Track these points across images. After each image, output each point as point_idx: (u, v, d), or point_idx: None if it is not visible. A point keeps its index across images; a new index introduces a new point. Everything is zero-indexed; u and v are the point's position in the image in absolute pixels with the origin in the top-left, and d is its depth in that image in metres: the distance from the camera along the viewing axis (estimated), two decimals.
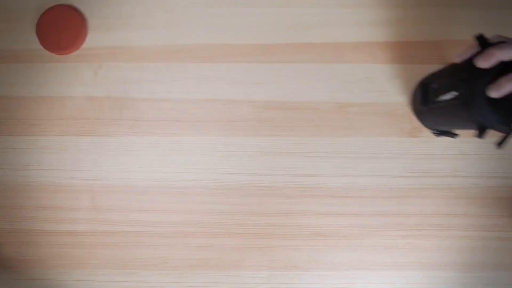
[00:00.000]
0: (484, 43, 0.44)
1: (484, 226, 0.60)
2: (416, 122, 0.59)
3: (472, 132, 0.52)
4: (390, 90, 0.60)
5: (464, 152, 0.60)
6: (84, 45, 0.61)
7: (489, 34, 0.45)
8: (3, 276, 0.61)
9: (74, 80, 0.61)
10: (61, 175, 0.61)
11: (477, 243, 0.60)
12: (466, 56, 0.46)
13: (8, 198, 0.61)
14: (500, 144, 0.46)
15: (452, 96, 0.47)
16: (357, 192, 0.60)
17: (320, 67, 0.61)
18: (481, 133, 0.46)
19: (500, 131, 0.45)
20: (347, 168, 0.60)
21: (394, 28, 0.60)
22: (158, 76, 0.61)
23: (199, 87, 0.61)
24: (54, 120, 0.61)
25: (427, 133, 0.60)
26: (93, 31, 0.61)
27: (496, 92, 0.42)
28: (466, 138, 0.59)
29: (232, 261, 0.61)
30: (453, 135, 0.55)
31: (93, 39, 0.61)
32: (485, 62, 0.43)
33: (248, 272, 0.61)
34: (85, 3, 0.61)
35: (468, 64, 0.44)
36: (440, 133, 0.56)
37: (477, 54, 0.44)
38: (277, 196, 0.60)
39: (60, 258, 0.61)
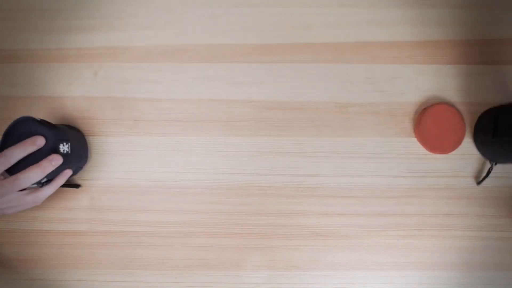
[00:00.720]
0: None
1: (484, 226, 0.60)
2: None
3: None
4: (390, 90, 0.60)
5: (464, 152, 0.60)
6: (84, 45, 0.61)
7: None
8: (3, 276, 0.61)
9: (74, 80, 0.61)
10: None
11: (477, 243, 0.60)
12: None
13: None
14: None
15: None
16: (357, 192, 0.60)
17: (320, 67, 0.61)
18: None
19: None
20: (347, 168, 0.60)
21: (394, 28, 0.60)
22: (158, 76, 0.61)
23: (199, 87, 0.61)
24: (54, 120, 0.61)
25: None
26: (93, 31, 0.61)
27: None
28: (466, 138, 0.59)
29: (232, 261, 0.61)
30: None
31: (93, 39, 0.61)
32: None
33: (248, 272, 0.61)
34: (86, 3, 0.62)
35: None
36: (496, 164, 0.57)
37: None
38: (277, 196, 0.60)
39: (60, 258, 0.61)
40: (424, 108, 0.59)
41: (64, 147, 0.53)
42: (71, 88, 0.61)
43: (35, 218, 0.61)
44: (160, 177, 0.61)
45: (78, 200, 0.61)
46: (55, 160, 0.51)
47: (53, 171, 0.51)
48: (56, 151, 0.51)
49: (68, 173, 0.55)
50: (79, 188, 0.61)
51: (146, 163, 0.61)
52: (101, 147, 0.61)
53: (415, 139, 0.60)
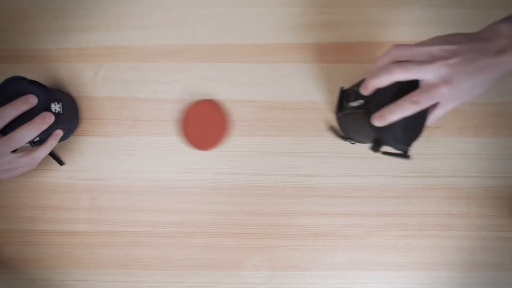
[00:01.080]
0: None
1: (484, 226, 0.60)
2: None
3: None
4: None
5: (464, 152, 0.60)
6: (84, 45, 0.61)
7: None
8: (3, 276, 0.61)
9: (74, 80, 0.61)
10: (61, 175, 0.61)
11: (477, 243, 0.60)
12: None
13: (8, 198, 0.61)
14: (379, 151, 0.47)
15: (359, 103, 0.48)
16: (357, 192, 0.60)
17: (320, 67, 0.61)
18: (376, 145, 0.46)
19: (392, 147, 0.46)
20: (347, 168, 0.60)
21: (394, 28, 0.60)
22: (158, 76, 0.61)
23: (199, 87, 0.61)
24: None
25: (427, 133, 0.60)
26: (93, 31, 0.61)
27: (379, 122, 0.44)
28: (466, 138, 0.59)
29: (232, 261, 0.61)
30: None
31: (93, 39, 0.61)
32: (365, 91, 0.46)
33: (248, 272, 0.61)
34: (86, 3, 0.62)
35: None
36: (351, 143, 0.58)
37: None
38: (277, 196, 0.60)
39: (60, 258, 0.61)
40: (188, 107, 0.60)
41: (55, 107, 0.53)
42: (71, 88, 0.61)
43: (35, 218, 0.61)
44: (160, 177, 0.61)
45: (78, 200, 0.61)
46: (48, 118, 0.51)
47: (44, 132, 0.51)
48: (48, 110, 0.51)
49: (59, 133, 0.55)
50: (63, 165, 0.61)
51: (146, 163, 0.61)
52: (101, 147, 0.61)
53: None
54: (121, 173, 0.61)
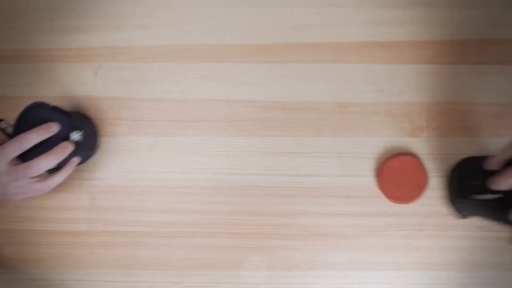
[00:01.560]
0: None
1: (484, 226, 0.59)
2: (416, 122, 0.60)
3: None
4: (390, 90, 0.60)
5: (464, 152, 0.60)
6: (84, 45, 0.61)
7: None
8: (3, 276, 0.61)
9: (74, 80, 0.61)
10: None
11: (477, 243, 0.60)
12: (502, 162, 0.46)
13: None
14: None
15: (494, 197, 0.48)
16: (357, 192, 0.60)
17: (320, 67, 0.61)
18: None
19: None
20: (347, 168, 0.60)
21: (394, 28, 0.60)
22: (158, 76, 0.61)
23: (199, 87, 0.61)
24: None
25: (427, 133, 0.60)
26: (93, 31, 0.61)
27: None
28: (466, 138, 0.59)
29: (232, 261, 0.61)
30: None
31: (93, 39, 0.61)
32: (496, 186, 0.45)
33: (248, 272, 0.61)
34: (85, 3, 0.61)
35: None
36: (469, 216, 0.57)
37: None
38: (277, 196, 0.60)
39: (60, 258, 0.61)
40: (386, 159, 0.59)
41: (76, 135, 0.52)
42: (71, 88, 0.61)
43: (35, 218, 0.61)
44: (160, 177, 0.61)
45: (78, 200, 0.61)
46: (68, 148, 0.51)
47: (62, 160, 0.51)
48: (67, 138, 0.51)
49: (75, 161, 0.55)
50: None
51: (146, 163, 0.61)
52: (101, 147, 0.61)
53: (415, 139, 0.60)
54: (121, 173, 0.61)
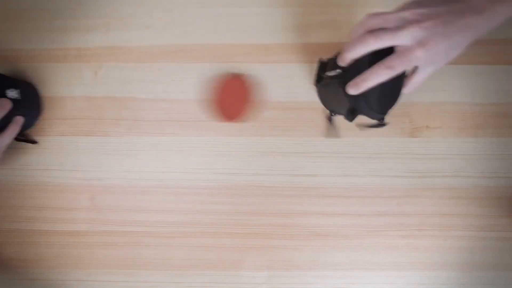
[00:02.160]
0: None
1: (484, 226, 0.60)
2: (416, 122, 0.60)
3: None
4: None
5: (464, 152, 0.60)
6: (84, 45, 0.61)
7: None
8: (3, 276, 0.61)
9: (74, 80, 0.61)
10: (61, 175, 0.61)
11: (477, 243, 0.60)
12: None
13: (8, 198, 0.61)
14: (354, 121, 0.47)
15: (336, 73, 0.47)
16: (357, 192, 0.60)
17: None
18: (351, 115, 0.46)
19: (367, 115, 0.45)
20: (347, 168, 0.60)
21: None
22: (158, 76, 0.61)
23: (199, 87, 0.61)
24: (54, 120, 0.61)
25: (427, 133, 0.60)
26: (92, 31, 0.61)
27: (354, 90, 0.43)
28: (466, 138, 0.59)
29: (232, 261, 0.61)
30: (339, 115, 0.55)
31: (93, 39, 0.61)
32: (342, 63, 0.46)
33: (248, 272, 0.61)
34: (85, 3, 0.61)
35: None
36: (332, 114, 0.57)
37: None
38: (277, 196, 0.60)
39: (60, 258, 0.61)
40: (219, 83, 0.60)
41: (12, 93, 0.53)
42: (71, 88, 0.61)
43: (35, 218, 0.61)
44: (160, 177, 0.61)
45: (78, 200, 0.61)
46: (5, 104, 0.51)
47: (3, 119, 0.51)
48: (4, 96, 0.52)
49: (19, 120, 0.55)
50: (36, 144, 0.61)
51: (146, 163, 0.61)
52: (101, 147, 0.61)
53: (415, 139, 0.60)
54: (121, 173, 0.61)
